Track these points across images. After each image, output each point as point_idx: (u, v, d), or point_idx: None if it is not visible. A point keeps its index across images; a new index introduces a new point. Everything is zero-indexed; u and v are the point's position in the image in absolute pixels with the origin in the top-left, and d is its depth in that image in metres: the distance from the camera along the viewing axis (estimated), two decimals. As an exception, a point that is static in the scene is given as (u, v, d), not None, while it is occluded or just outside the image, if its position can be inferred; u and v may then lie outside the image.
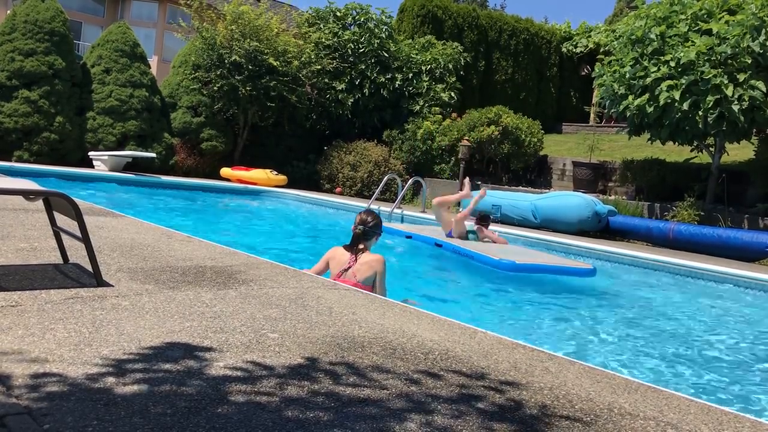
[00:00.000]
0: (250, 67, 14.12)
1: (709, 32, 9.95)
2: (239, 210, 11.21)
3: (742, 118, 9.31)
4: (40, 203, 5.26)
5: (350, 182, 14.29)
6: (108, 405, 1.94)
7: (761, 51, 9.19)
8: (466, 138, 13.74)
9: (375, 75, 15.35)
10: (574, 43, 20.58)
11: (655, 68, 10.07)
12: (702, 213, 10.26)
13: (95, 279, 3.41)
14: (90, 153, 13.09)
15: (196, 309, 3.14)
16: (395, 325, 3.25)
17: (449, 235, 7.54)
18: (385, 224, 7.55)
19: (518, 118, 14.62)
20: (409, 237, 8.17)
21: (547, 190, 12.69)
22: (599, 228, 10.31)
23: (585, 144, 14.72)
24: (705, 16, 10.21)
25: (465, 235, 7.56)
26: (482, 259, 6.78)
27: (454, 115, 15.21)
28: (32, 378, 2.08)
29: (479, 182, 13.51)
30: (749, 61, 9.29)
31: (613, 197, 12.22)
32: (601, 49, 19.10)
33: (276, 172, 14.06)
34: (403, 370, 2.54)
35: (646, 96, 10.19)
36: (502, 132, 14.02)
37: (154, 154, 13.19)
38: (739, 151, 12.57)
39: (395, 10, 20.62)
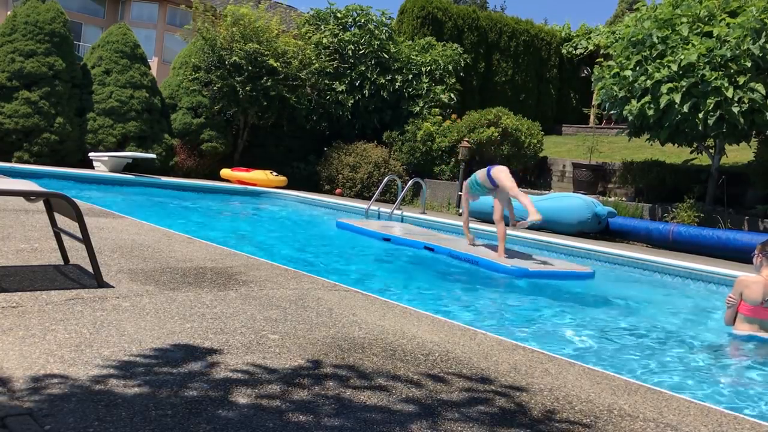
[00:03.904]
0: (250, 68, 14.13)
1: (709, 34, 9.96)
2: (239, 211, 11.22)
3: (741, 120, 9.32)
4: (40, 204, 5.27)
5: (350, 183, 14.29)
6: (109, 406, 1.94)
7: (761, 54, 9.20)
8: (466, 139, 13.74)
9: (375, 76, 15.36)
10: (574, 44, 20.58)
11: (656, 71, 10.08)
12: (702, 214, 10.26)
13: (96, 280, 3.42)
14: (90, 154, 13.09)
15: (196, 310, 3.15)
16: (395, 326, 3.25)
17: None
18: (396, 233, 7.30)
19: (518, 119, 14.61)
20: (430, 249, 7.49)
21: (546, 192, 12.69)
22: (599, 229, 10.30)
23: (585, 145, 14.73)
24: (706, 18, 10.22)
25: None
26: (489, 265, 6.57)
27: (454, 116, 15.21)
28: (33, 379, 2.09)
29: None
30: (749, 64, 9.30)
31: (612, 199, 12.22)
32: (602, 51, 19.13)
33: (276, 173, 14.06)
34: (403, 372, 2.54)
35: (647, 98, 10.20)
36: (502, 133, 14.03)
37: (154, 155, 13.19)
38: (739, 153, 12.58)
39: (395, 11, 20.64)
